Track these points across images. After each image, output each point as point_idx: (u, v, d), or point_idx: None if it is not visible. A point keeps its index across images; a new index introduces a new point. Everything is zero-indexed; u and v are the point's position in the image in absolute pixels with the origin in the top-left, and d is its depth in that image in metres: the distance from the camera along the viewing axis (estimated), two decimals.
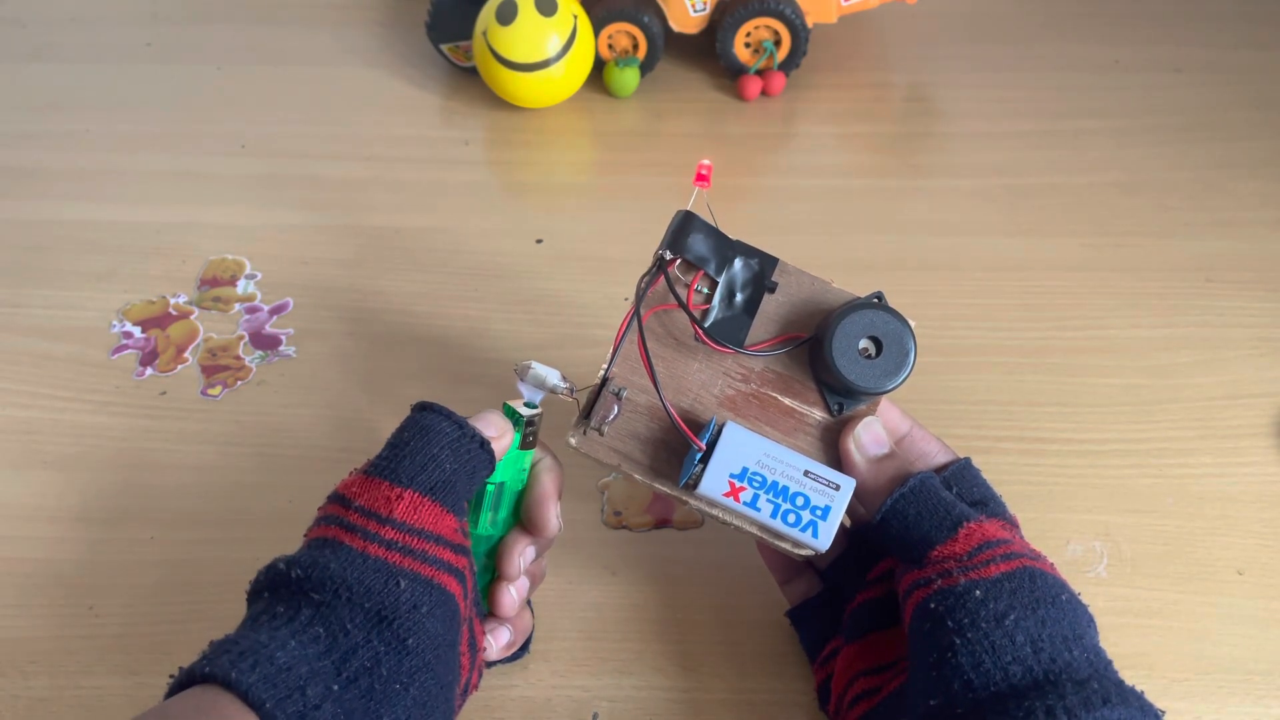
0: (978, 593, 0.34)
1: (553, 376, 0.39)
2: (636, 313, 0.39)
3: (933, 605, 0.35)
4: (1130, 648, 0.45)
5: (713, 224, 0.40)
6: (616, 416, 0.39)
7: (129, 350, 0.56)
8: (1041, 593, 0.34)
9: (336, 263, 0.61)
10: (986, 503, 0.40)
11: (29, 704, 0.43)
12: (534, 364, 0.39)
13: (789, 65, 0.72)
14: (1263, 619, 0.46)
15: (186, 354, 0.56)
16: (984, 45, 0.77)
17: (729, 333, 0.40)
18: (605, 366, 0.39)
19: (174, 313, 0.58)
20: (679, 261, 0.40)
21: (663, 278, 0.39)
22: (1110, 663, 0.34)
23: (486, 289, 0.59)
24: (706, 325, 0.40)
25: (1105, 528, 0.49)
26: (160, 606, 0.46)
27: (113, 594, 0.46)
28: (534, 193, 0.67)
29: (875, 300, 0.40)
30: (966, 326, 0.58)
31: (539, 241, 0.62)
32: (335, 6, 0.80)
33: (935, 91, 0.74)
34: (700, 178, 0.40)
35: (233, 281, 0.60)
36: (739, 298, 0.40)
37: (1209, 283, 0.60)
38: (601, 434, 0.39)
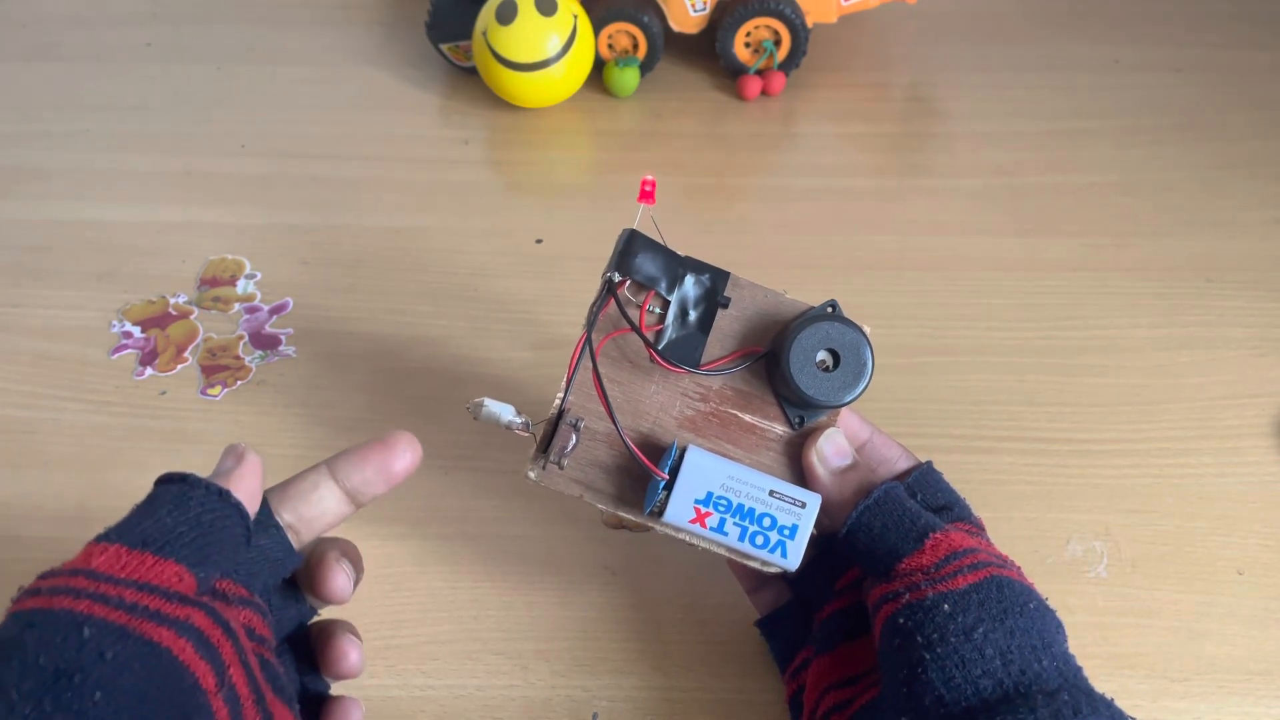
0: (946, 606, 0.34)
1: (506, 413, 0.38)
2: (588, 340, 0.38)
3: (901, 620, 0.34)
4: (1130, 648, 0.45)
5: (660, 241, 0.40)
6: (575, 447, 0.38)
7: (129, 350, 0.56)
8: (1009, 602, 0.34)
9: (336, 263, 0.61)
10: (951, 507, 0.40)
11: None
12: (486, 401, 0.38)
13: (789, 65, 0.72)
14: (1263, 619, 0.46)
15: (186, 354, 0.56)
16: (984, 45, 0.77)
17: (684, 352, 0.39)
18: (560, 397, 0.38)
19: (174, 313, 0.58)
20: (628, 283, 0.39)
21: (613, 301, 0.38)
22: (1080, 670, 0.34)
23: (486, 289, 0.59)
24: (660, 346, 0.39)
25: (1105, 528, 0.49)
26: None
27: None
28: (534, 193, 0.67)
29: (829, 310, 0.40)
30: (966, 326, 0.58)
31: (539, 241, 0.62)
32: (335, 6, 0.80)
33: (935, 91, 0.74)
34: (645, 194, 0.39)
35: (233, 281, 0.60)
36: (692, 315, 0.40)
37: (1209, 283, 0.60)
38: (561, 466, 0.38)
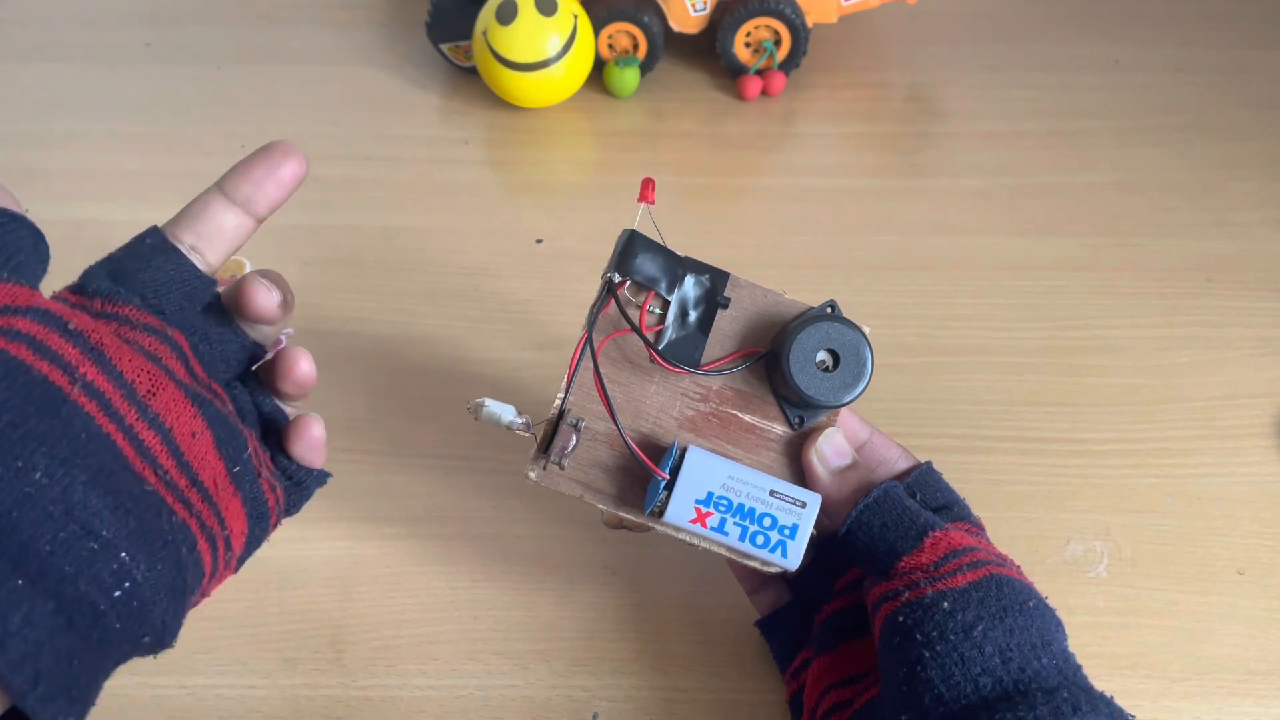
0: (945, 604, 0.34)
1: (507, 413, 0.38)
2: (589, 340, 0.38)
3: (901, 618, 0.35)
4: (1130, 648, 0.45)
5: (660, 241, 0.40)
6: (576, 447, 0.38)
7: None
8: (1009, 601, 0.34)
9: (336, 263, 0.61)
10: (951, 507, 0.40)
11: None
12: (487, 401, 0.38)
13: (789, 65, 0.72)
14: (1263, 619, 0.46)
15: None
16: (984, 45, 0.77)
17: (684, 352, 0.40)
18: (561, 397, 0.38)
19: None
20: (628, 283, 0.39)
21: (613, 301, 0.38)
22: (1080, 668, 0.34)
23: (486, 289, 0.59)
24: (660, 346, 0.39)
25: (1105, 528, 0.49)
26: None
27: None
28: (534, 193, 0.67)
29: (829, 310, 0.40)
30: (966, 326, 0.58)
31: (539, 241, 0.62)
32: (335, 6, 0.80)
33: (935, 91, 0.74)
34: (645, 194, 0.39)
35: (232, 281, 0.59)
36: (692, 316, 0.40)
37: (1209, 283, 0.60)
38: (561, 467, 0.38)
